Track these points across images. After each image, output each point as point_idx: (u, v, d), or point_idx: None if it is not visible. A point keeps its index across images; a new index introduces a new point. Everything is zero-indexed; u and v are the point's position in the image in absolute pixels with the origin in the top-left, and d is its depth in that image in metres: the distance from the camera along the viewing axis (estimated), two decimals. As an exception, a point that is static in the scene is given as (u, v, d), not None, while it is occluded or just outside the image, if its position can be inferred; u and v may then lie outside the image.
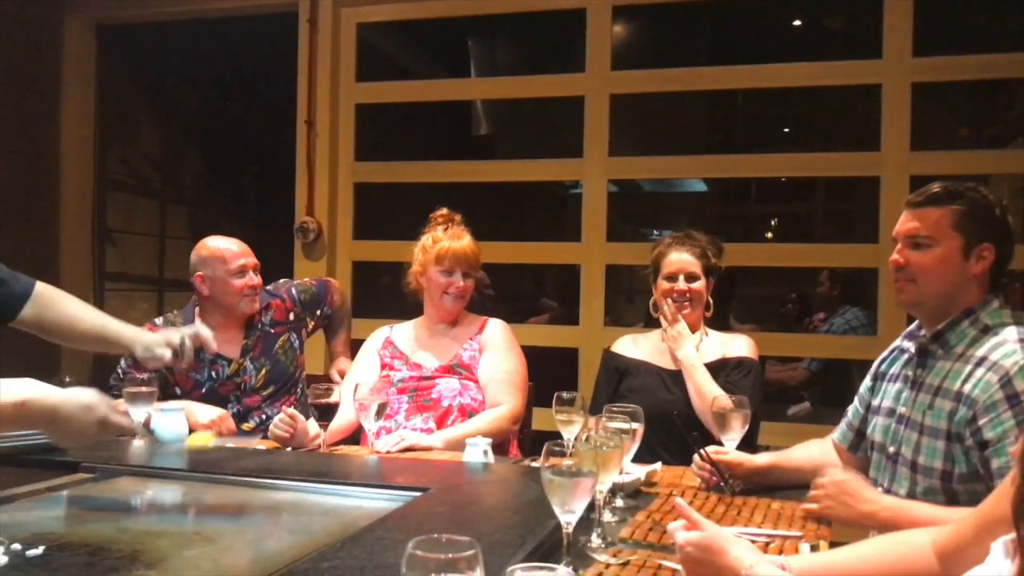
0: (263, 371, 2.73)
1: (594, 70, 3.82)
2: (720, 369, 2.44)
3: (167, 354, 2.07)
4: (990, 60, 3.49)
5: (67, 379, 2.31)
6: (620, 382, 2.55)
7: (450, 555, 0.84)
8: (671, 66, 3.99)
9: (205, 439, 2.23)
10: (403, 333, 2.67)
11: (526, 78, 4.33)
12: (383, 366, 2.59)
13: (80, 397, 1.55)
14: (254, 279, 2.71)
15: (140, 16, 4.40)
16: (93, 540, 1.41)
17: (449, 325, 2.62)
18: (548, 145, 4.26)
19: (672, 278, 2.51)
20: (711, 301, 2.55)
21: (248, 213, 5.39)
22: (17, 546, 1.32)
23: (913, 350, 1.83)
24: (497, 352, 2.55)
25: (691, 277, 2.50)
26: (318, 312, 2.92)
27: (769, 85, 3.89)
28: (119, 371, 2.68)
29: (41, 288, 2.05)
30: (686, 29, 5.08)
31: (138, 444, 2.20)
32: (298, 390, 2.80)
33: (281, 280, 2.96)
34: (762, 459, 1.96)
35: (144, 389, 2.29)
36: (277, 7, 4.19)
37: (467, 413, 2.46)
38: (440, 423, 2.45)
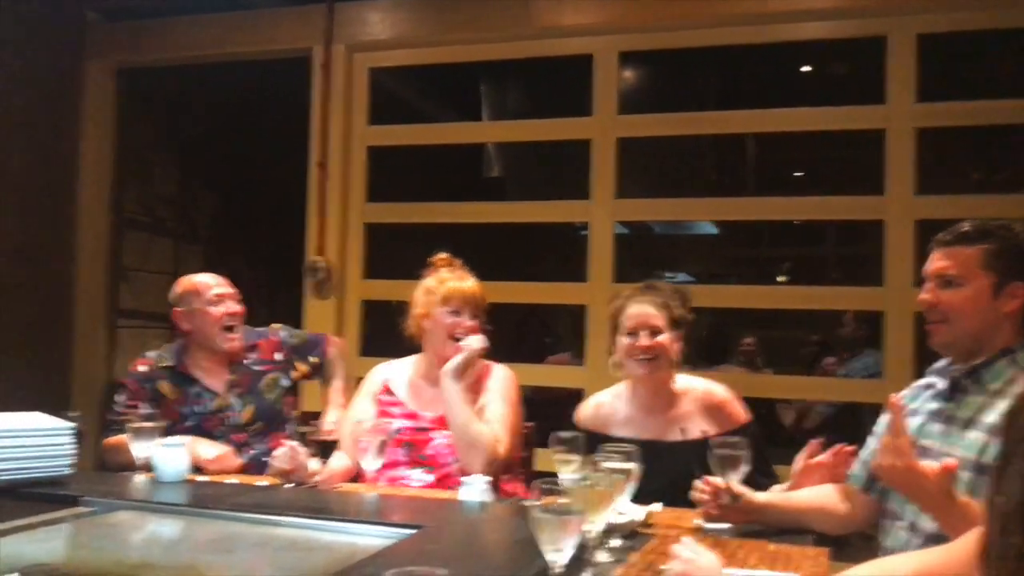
0: (248, 407, 2.75)
1: (600, 114, 3.88)
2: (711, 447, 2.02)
3: None
4: (996, 106, 3.51)
5: (74, 414, 2.34)
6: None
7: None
8: (679, 110, 4.04)
9: None
10: (401, 377, 2.59)
11: (535, 122, 4.39)
12: (380, 413, 2.51)
13: None
14: (234, 307, 2.75)
15: (159, 60, 4.52)
16: (90, 572, 1.43)
17: None
18: (558, 186, 4.31)
19: (633, 333, 2.30)
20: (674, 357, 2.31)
21: (260, 252, 5.46)
22: (15, 575, 1.34)
23: (942, 385, 1.83)
24: (491, 396, 2.47)
25: (655, 331, 2.29)
26: (309, 358, 2.91)
27: (774, 129, 3.94)
28: (115, 407, 2.71)
29: None
30: (694, 74, 5.15)
31: (139, 479, 2.22)
32: (289, 428, 2.81)
33: (276, 325, 2.98)
34: (761, 497, 1.95)
35: (148, 424, 2.32)
36: (291, 52, 4.28)
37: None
38: (441, 481, 2.38)
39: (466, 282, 2.51)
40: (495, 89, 5.51)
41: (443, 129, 4.67)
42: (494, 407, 2.43)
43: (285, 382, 2.85)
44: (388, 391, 2.56)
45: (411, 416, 2.48)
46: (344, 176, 4.20)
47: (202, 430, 2.66)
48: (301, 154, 4.25)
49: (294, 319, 4.13)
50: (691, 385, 2.39)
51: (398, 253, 4.54)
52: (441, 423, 2.43)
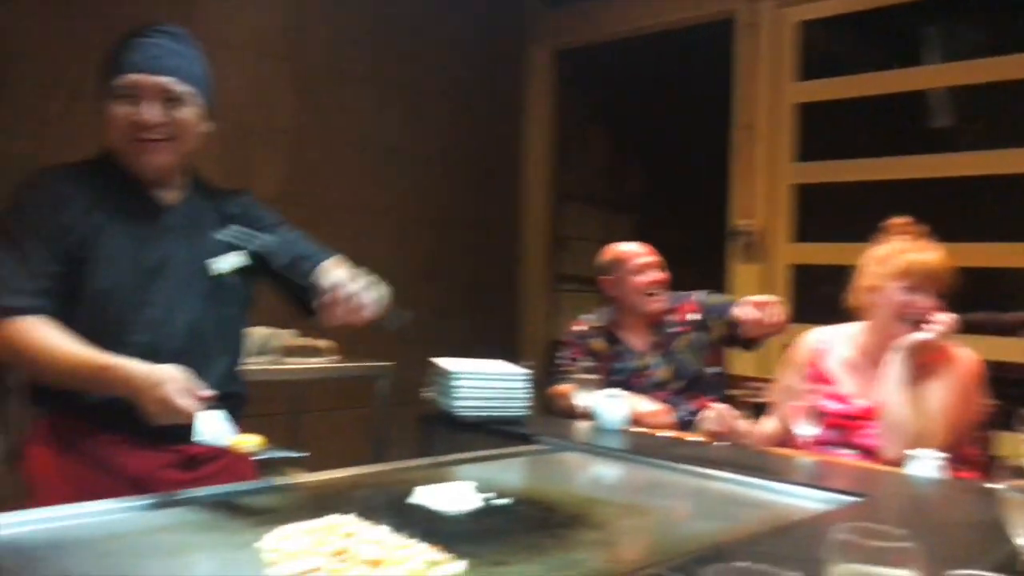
0: (667, 368, 2.83)
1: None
2: None
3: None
4: None
5: (528, 363, 2.61)
6: None
7: (882, 544, 0.81)
8: None
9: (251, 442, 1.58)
10: (837, 350, 2.36)
11: (993, 60, 3.84)
12: (810, 389, 2.32)
13: (154, 372, 1.50)
14: (656, 276, 2.86)
15: (592, 38, 4.81)
16: (546, 499, 1.59)
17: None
18: (1019, 133, 3.75)
19: None
20: None
21: (687, 218, 5.57)
22: (489, 495, 1.54)
23: None
24: (941, 383, 2.17)
25: None
26: (724, 317, 2.81)
27: None
28: (558, 360, 2.98)
29: None
30: None
31: (583, 425, 2.42)
32: (714, 389, 2.83)
33: (703, 291, 3.00)
34: None
35: (591, 376, 2.53)
36: (716, 15, 4.28)
37: None
38: None
39: (929, 254, 2.20)
40: (938, 28, 4.92)
41: (879, 78, 4.29)
42: (939, 396, 2.15)
43: (700, 342, 2.87)
44: (817, 365, 2.38)
45: (839, 399, 2.28)
46: (771, 136, 4.10)
47: (628, 386, 2.81)
48: (726, 118, 4.24)
49: (719, 284, 4.15)
50: None
51: (831, 215, 4.32)
52: (875, 413, 2.20)
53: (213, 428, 1.50)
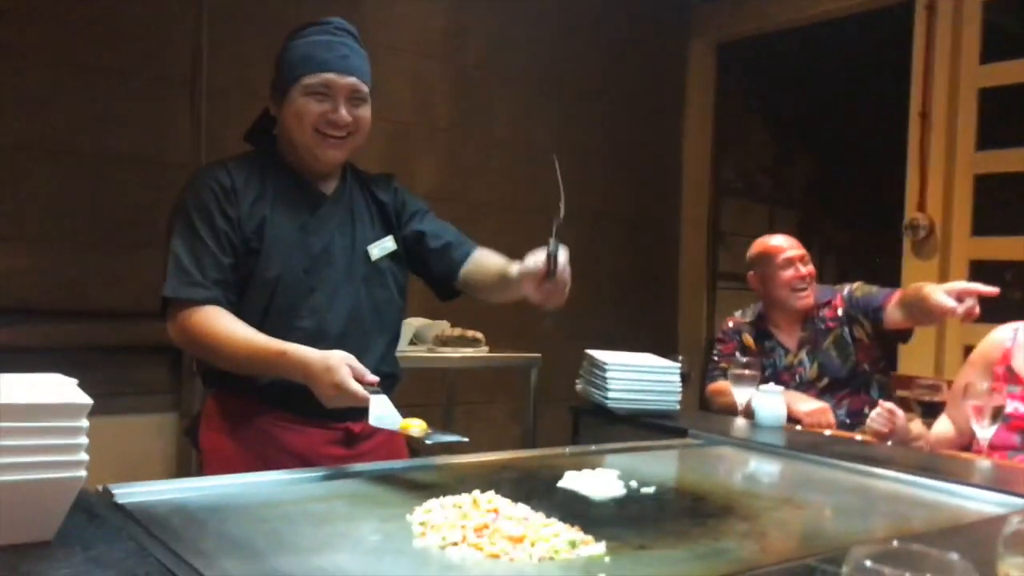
0: (815, 364, 2.74)
1: None
2: None
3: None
4: None
5: (680, 357, 2.55)
6: None
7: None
8: None
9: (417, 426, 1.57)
10: None
11: None
12: (993, 388, 2.10)
13: (328, 358, 1.52)
14: (801, 270, 2.77)
15: (755, 30, 4.66)
16: (695, 490, 1.56)
17: None
18: None
19: None
20: None
21: (856, 212, 5.29)
22: (635, 483, 1.52)
23: None
24: None
25: None
26: (871, 311, 2.67)
27: None
28: (713, 356, 2.92)
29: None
30: None
31: (739, 420, 2.35)
32: (871, 387, 2.70)
33: (856, 283, 2.84)
34: None
35: (747, 372, 2.44)
36: (890, 1, 4.05)
37: None
38: None
39: None
40: None
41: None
42: None
43: (846, 338, 2.73)
44: (1008, 363, 2.22)
45: None
46: (950, 124, 3.84)
47: (778, 383, 2.71)
48: (897, 107, 4.00)
49: (892, 281, 3.91)
50: None
51: (1019, 206, 3.99)
52: None
53: (384, 412, 1.54)
